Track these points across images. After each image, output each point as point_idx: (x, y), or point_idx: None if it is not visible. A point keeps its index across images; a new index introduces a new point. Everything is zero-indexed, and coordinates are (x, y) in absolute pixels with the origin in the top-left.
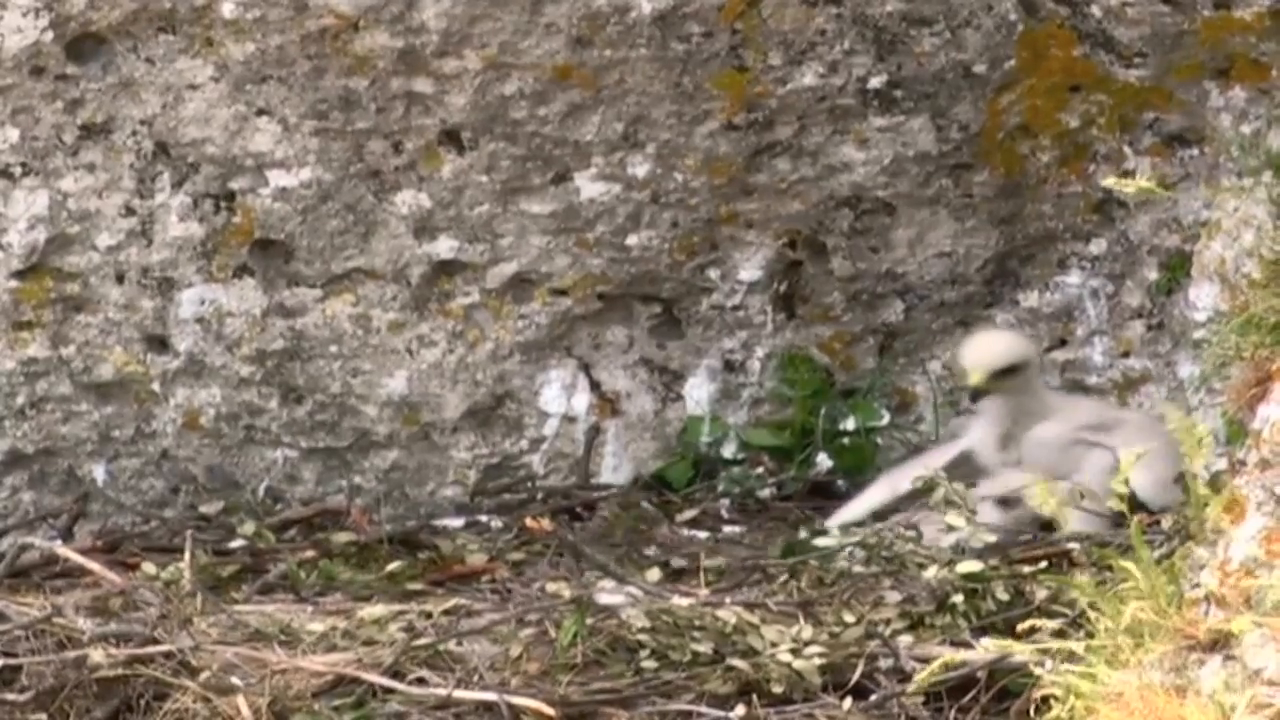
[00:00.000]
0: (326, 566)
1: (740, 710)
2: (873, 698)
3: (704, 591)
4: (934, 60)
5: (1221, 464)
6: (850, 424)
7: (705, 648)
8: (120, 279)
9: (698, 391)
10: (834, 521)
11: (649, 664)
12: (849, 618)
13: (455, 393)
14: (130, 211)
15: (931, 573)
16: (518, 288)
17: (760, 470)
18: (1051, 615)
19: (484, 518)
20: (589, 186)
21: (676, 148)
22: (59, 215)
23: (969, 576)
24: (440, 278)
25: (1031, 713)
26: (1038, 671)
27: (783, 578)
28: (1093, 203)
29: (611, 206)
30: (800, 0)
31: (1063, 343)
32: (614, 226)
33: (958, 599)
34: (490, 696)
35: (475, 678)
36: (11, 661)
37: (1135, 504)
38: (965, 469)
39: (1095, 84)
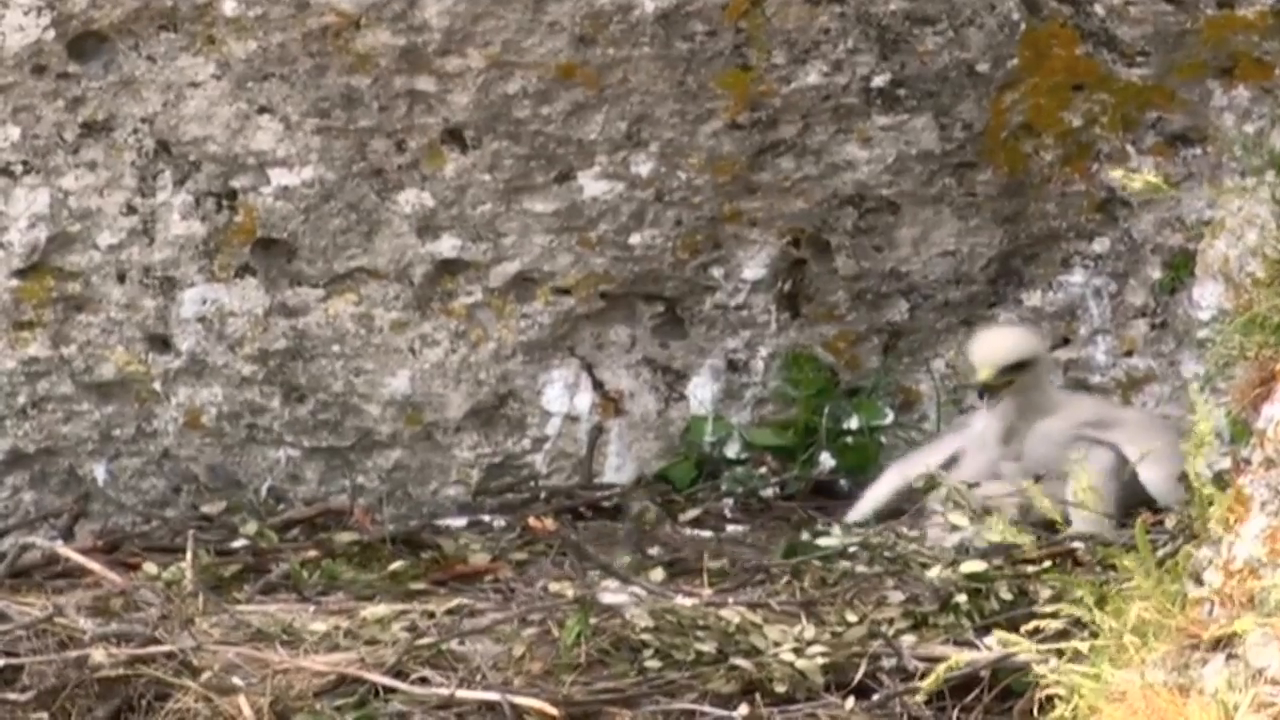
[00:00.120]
0: (329, 566)
1: (743, 710)
2: (875, 697)
3: (707, 591)
4: (937, 59)
5: (1225, 463)
6: (854, 423)
7: (708, 647)
8: (122, 278)
9: (701, 391)
10: (855, 516)
11: (652, 663)
12: (852, 617)
13: (458, 392)
14: (132, 210)
15: (935, 572)
16: (520, 287)
17: (763, 470)
18: (1055, 615)
19: (487, 517)
20: (592, 185)
21: (680, 146)
22: (60, 214)
23: (972, 576)
24: (443, 277)
25: (1035, 712)
26: (1041, 671)
27: (785, 578)
28: (1096, 202)
29: (615, 205)
30: (804, 0)
31: (1066, 342)
32: (617, 225)
33: (961, 598)
34: (493, 696)
35: (478, 677)
36: (13, 661)
37: (1144, 500)
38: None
39: (1098, 83)
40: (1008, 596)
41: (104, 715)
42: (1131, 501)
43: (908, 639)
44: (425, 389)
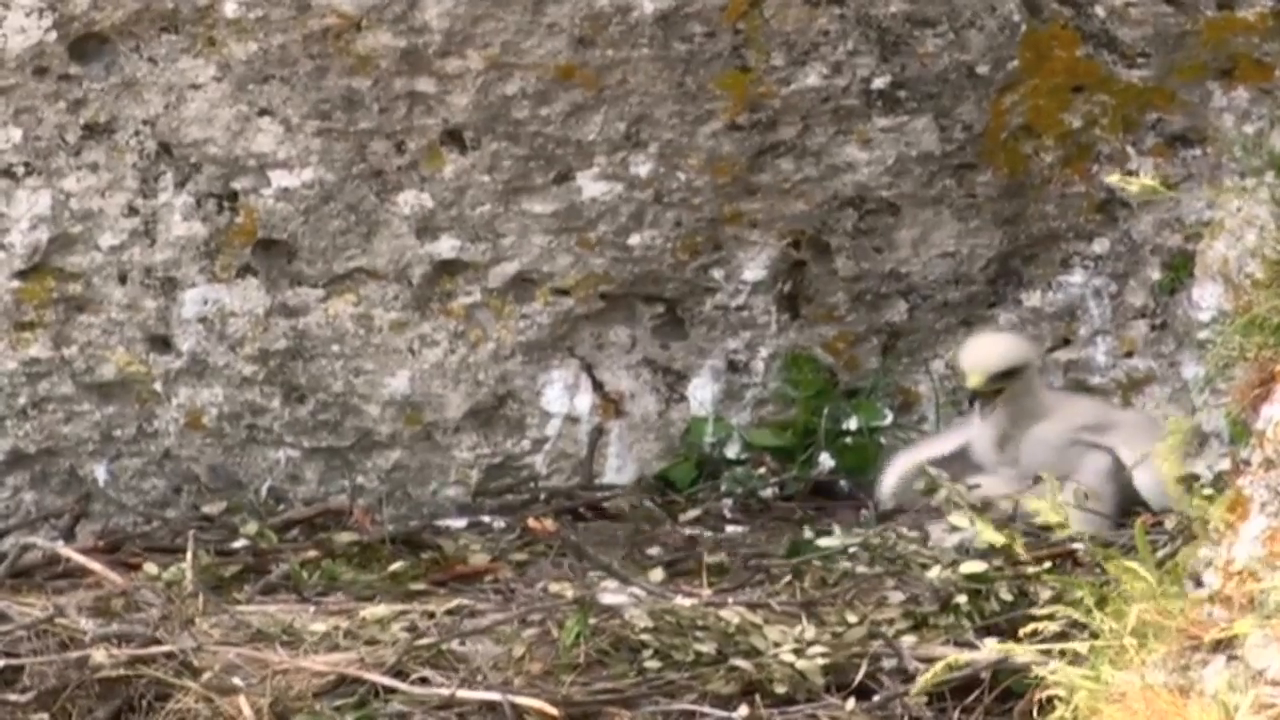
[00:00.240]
0: (329, 567)
1: (743, 710)
2: (876, 698)
3: (707, 591)
4: (937, 61)
5: (1225, 464)
6: (853, 424)
7: (708, 648)
8: (123, 279)
9: (701, 392)
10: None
11: (652, 664)
12: (852, 618)
13: (457, 393)
14: (133, 211)
15: (935, 573)
16: (520, 287)
17: (763, 470)
18: (1055, 616)
19: (486, 518)
20: (591, 186)
21: (679, 147)
22: (61, 215)
23: (972, 577)
24: (442, 277)
25: (1035, 713)
26: (1041, 672)
27: (786, 578)
28: (1096, 203)
29: (614, 206)
30: (803, 0)
31: (1066, 342)
32: (616, 226)
33: (961, 599)
34: (493, 696)
35: (478, 678)
36: (13, 662)
37: (1138, 503)
38: (964, 463)
39: (1098, 84)
40: (1008, 597)
41: (104, 716)
42: (1129, 504)
43: (908, 640)
44: (425, 389)
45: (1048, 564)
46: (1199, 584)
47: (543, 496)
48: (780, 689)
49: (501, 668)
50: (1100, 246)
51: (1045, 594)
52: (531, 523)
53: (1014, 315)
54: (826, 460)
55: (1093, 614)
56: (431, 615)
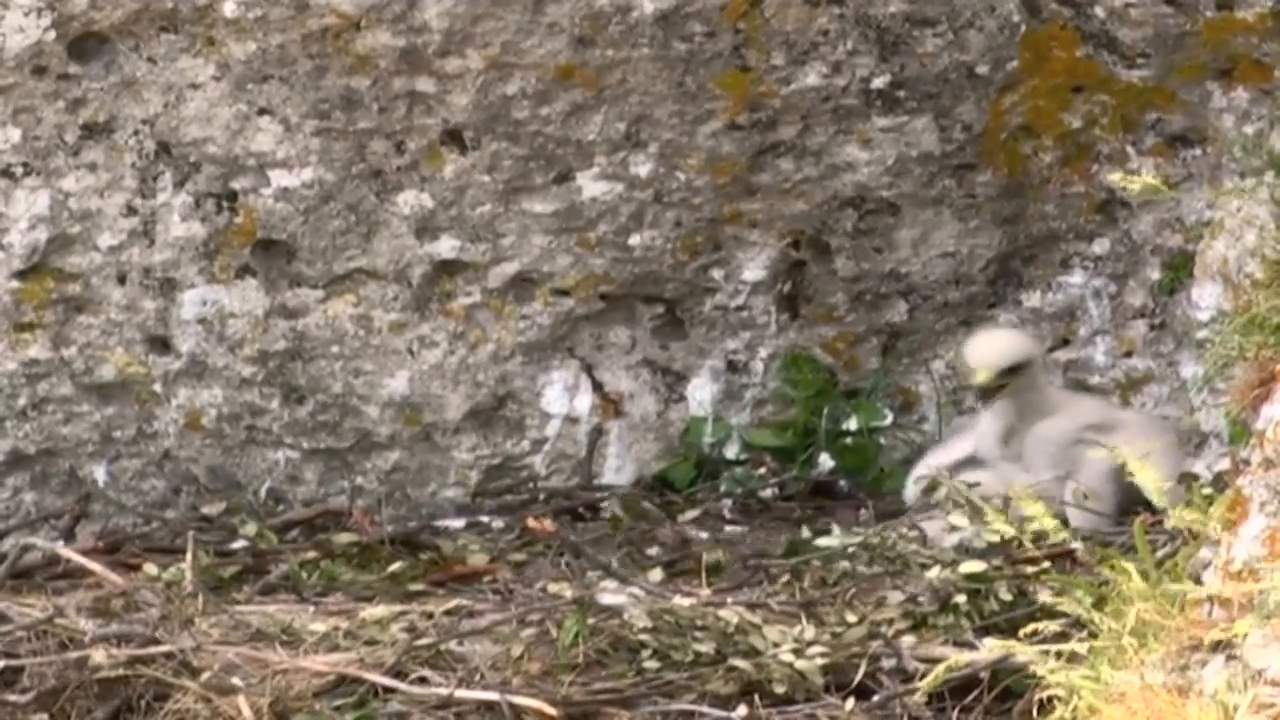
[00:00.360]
0: (328, 567)
1: (742, 710)
2: (875, 698)
3: (706, 591)
4: (937, 61)
5: (1225, 464)
6: (853, 424)
7: (707, 648)
8: (122, 279)
9: (700, 392)
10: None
11: (651, 664)
12: (851, 618)
13: (457, 393)
14: (132, 211)
15: (934, 573)
16: (519, 288)
17: (763, 471)
18: (1054, 616)
19: (486, 518)
20: (591, 186)
21: (679, 147)
22: (60, 215)
23: (972, 577)
24: (442, 278)
25: (1034, 713)
26: (1040, 672)
27: (785, 578)
28: (1095, 203)
29: (614, 206)
30: (803, 0)
31: (1065, 343)
32: (616, 226)
33: (960, 599)
34: (492, 696)
35: (477, 678)
36: (13, 662)
37: (1139, 503)
38: (978, 464)
39: (1098, 84)
40: (1007, 597)
41: (104, 716)
42: (1130, 504)
43: (907, 640)
44: (424, 390)
45: (1047, 564)
46: (1198, 584)
47: (542, 497)
48: (779, 689)
49: (500, 668)
50: (1100, 247)
51: (1044, 594)
52: (531, 523)
53: (1014, 315)
54: (826, 461)
55: (1092, 613)
56: (430, 615)
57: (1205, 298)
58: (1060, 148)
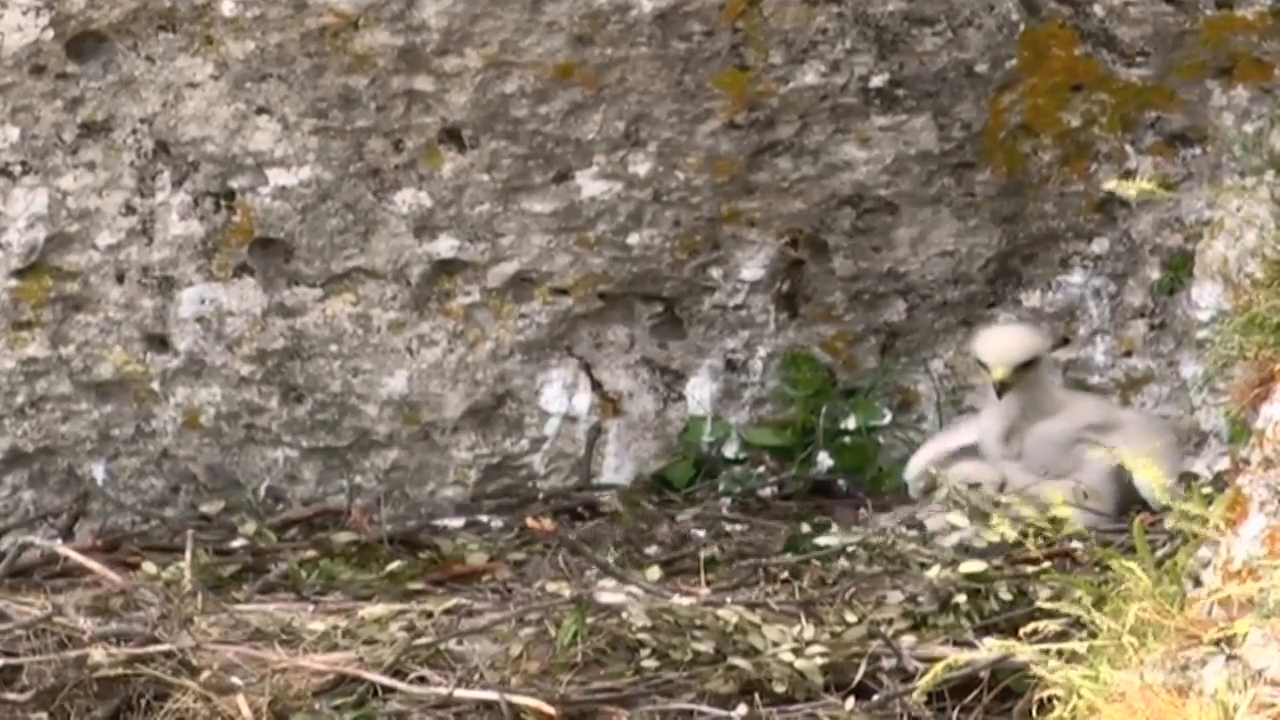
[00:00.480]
0: (327, 566)
1: (742, 710)
2: (875, 698)
3: (705, 590)
4: (936, 59)
5: (1224, 463)
6: (852, 423)
7: (706, 647)
8: (120, 278)
9: (699, 391)
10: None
11: (650, 663)
12: (851, 617)
13: (456, 392)
14: (130, 210)
15: (934, 572)
16: (518, 287)
17: (761, 470)
18: (1054, 615)
19: (484, 518)
20: (590, 185)
21: (678, 146)
22: (59, 214)
23: (972, 576)
24: (440, 277)
25: (1034, 713)
26: (1040, 672)
27: (784, 575)
28: (1095, 202)
29: (613, 205)
30: (801, 0)
31: (1065, 342)
32: (615, 225)
33: (960, 599)
34: (491, 695)
35: (476, 677)
36: (12, 661)
37: (1139, 503)
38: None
39: (1097, 83)
40: (1007, 597)
41: (103, 715)
42: (1129, 504)
43: (907, 639)
44: (423, 389)
45: (1047, 564)
46: (1198, 583)
47: (541, 496)
48: (779, 688)
49: (499, 667)
50: (1099, 246)
51: (1044, 594)
52: (529, 522)
53: (1013, 315)
54: (825, 460)
55: (1091, 613)
56: (429, 615)
57: (1205, 297)
58: (1059, 147)
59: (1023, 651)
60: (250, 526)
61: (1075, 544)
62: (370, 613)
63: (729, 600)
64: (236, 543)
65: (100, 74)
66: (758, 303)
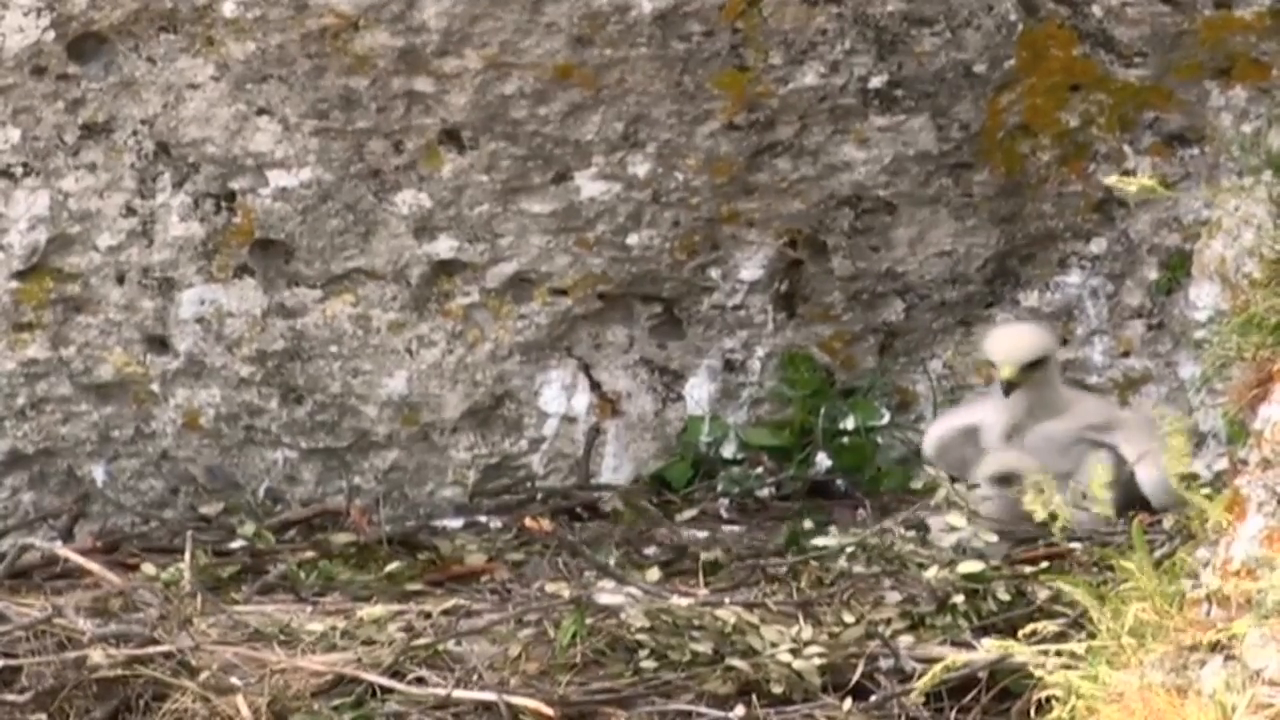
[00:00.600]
0: (326, 567)
1: (740, 710)
2: (873, 698)
3: (703, 591)
4: (934, 60)
5: (1223, 464)
6: (850, 423)
7: (705, 648)
8: (121, 279)
9: (698, 391)
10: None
11: (648, 664)
12: (849, 618)
13: (455, 393)
14: (131, 211)
15: (932, 573)
16: (518, 287)
17: (760, 470)
18: (1052, 616)
19: (483, 518)
20: (589, 186)
21: (677, 147)
22: (60, 215)
23: (970, 577)
24: (440, 278)
25: (1032, 713)
26: (1039, 672)
27: (784, 569)
28: (1093, 202)
29: (612, 206)
30: (801, 0)
31: (1063, 342)
32: (614, 226)
33: (958, 599)
34: (489, 696)
35: (474, 677)
36: (12, 662)
37: (1139, 503)
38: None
39: (1095, 83)
40: (1005, 597)
41: (102, 716)
42: (1130, 503)
43: (905, 640)
44: (422, 390)
45: (1045, 564)
46: (1197, 584)
47: (539, 496)
48: (777, 689)
49: (497, 668)
50: (1097, 246)
51: (1043, 594)
52: (528, 522)
53: (1011, 315)
54: (823, 460)
55: (1090, 614)
56: (428, 615)
57: (1203, 297)
58: (1058, 147)
59: (1021, 652)
60: (249, 528)
61: (1074, 545)
62: (369, 613)
63: (727, 601)
64: (235, 544)
65: (101, 75)
66: (756, 303)
